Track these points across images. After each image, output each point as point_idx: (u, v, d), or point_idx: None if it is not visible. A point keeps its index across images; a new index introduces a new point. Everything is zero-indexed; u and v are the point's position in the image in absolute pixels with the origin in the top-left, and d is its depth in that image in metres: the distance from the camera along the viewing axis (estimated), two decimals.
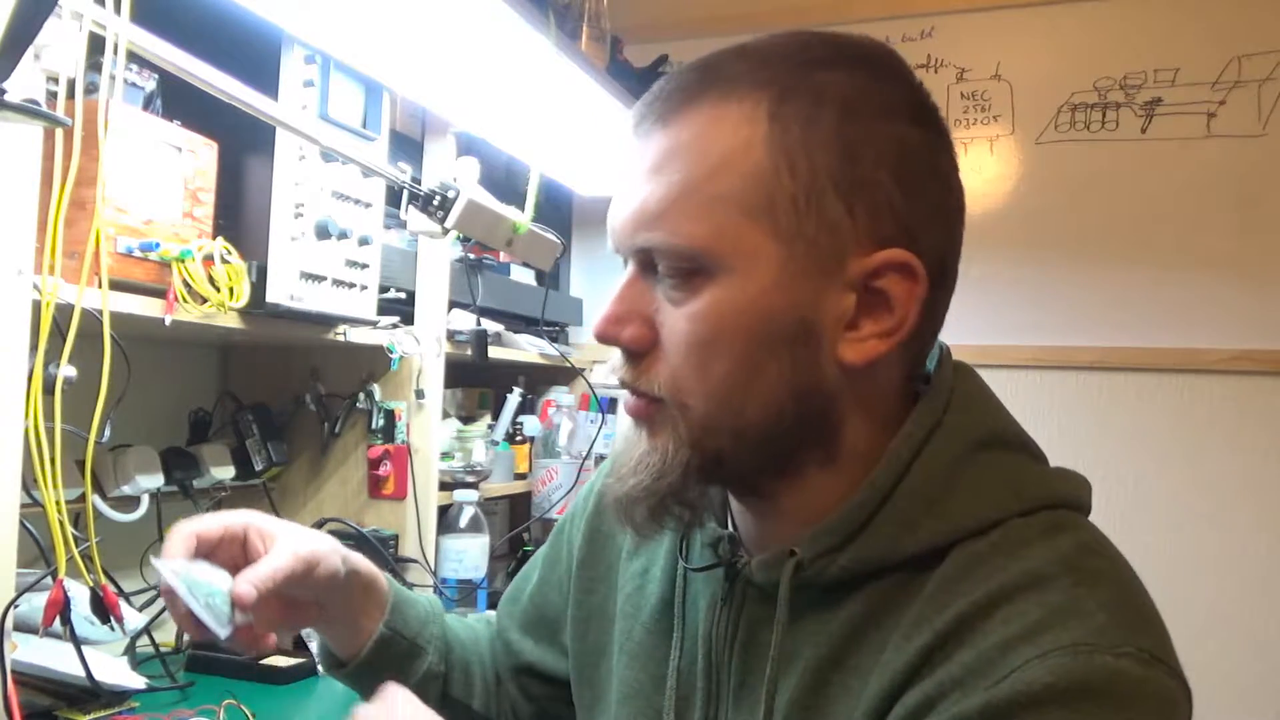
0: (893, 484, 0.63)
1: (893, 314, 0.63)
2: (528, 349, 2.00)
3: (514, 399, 2.02)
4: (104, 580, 0.98)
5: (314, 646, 1.35)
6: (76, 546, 0.93)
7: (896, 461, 0.64)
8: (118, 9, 0.89)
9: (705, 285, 0.62)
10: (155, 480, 1.34)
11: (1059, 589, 0.58)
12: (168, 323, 1.11)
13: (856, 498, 0.64)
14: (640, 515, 0.67)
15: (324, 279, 1.32)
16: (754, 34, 0.68)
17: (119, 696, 1.15)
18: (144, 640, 1.36)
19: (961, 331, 2.32)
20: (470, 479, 1.80)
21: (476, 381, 2.07)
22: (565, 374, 2.23)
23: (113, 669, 1.18)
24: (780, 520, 0.68)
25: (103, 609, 0.98)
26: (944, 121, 0.66)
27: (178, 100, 1.16)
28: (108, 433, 1.01)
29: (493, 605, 1.40)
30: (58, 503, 0.90)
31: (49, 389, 0.90)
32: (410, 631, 0.86)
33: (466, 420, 1.93)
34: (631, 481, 0.66)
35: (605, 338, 0.66)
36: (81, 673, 1.06)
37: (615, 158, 0.70)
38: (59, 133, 0.90)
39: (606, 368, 0.72)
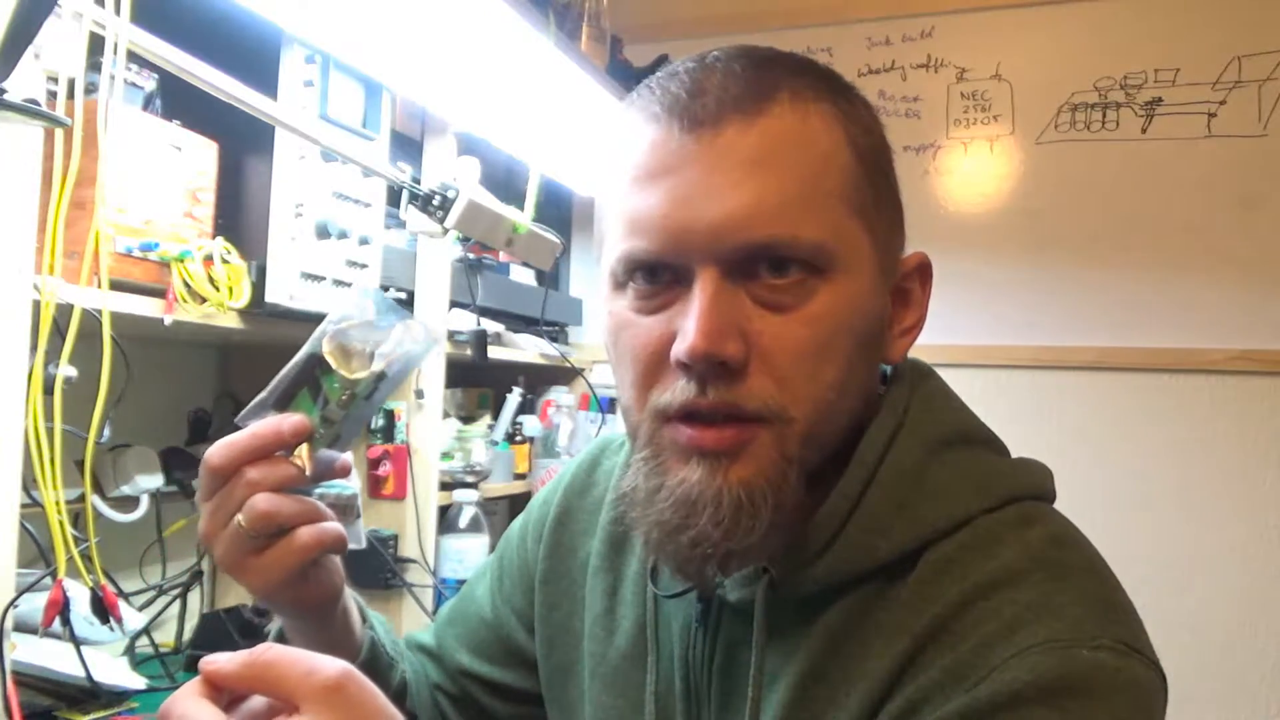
0: (860, 490, 0.63)
1: (911, 312, 0.67)
2: (528, 349, 2.00)
3: (514, 399, 2.01)
4: (104, 580, 0.98)
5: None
6: (76, 546, 0.93)
7: (862, 467, 0.63)
8: (118, 9, 0.89)
9: (819, 286, 0.60)
10: (155, 480, 1.34)
11: (1031, 584, 0.58)
12: (167, 323, 1.11)
13: (826, 508, 0.63)
14: (740, 564, 0.62)
15: (324, 279, 1.32)
16: (753, 34, 0.68)
17: (118, 696, 1.15)
18: (144, 640, 1.37)
19: (962, 331, 2.34)
20: (470, 479, 1.80)
21: (476, 381, 2.07)
22: (565, 374, 2.23)
23: (112, 669, 1.18)
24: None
25: (102, 609, 0.98)
26: None
27: (178, 100, 1.16)
28: (107, 433, 1.00)
29: None
30: (57, 503, 0.90)
31: (49, 389, 0.90)
32: (384, 645, 0.81)
33: (466, 420, 1.93)
34: (748, 524, 0.59)
35: (711, 355, 0.58)
36: (81, 673, 1.07)
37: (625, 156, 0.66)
38: (59, 133, 0.90)
39: (674, 391, 0.59)
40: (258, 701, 0.51)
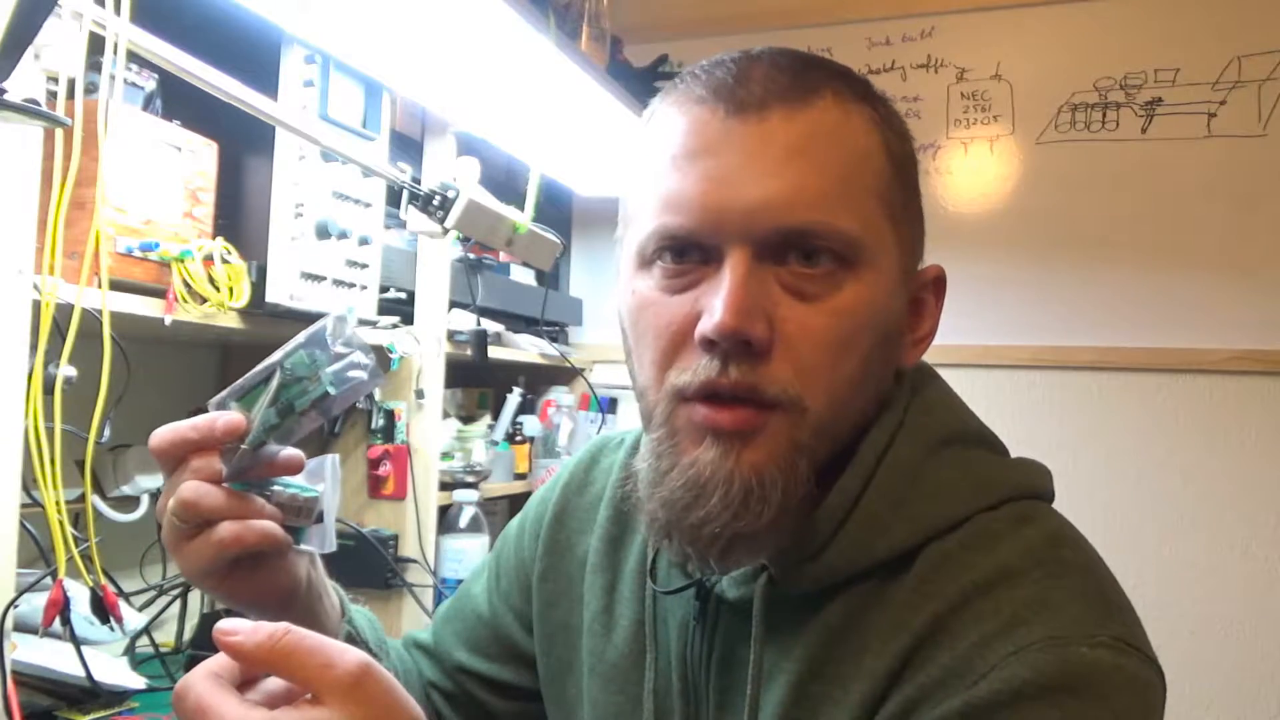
0: (860, 488, 0.63)
1: (924, 322, 0.68)
2: (528, 349, 2.00)
3: (514, 399, 2.02)
4: (104, 580, 0.98)
5: None
6: (76, 546, 0.93)
7: (862, 466, 0.64)
8: (118, 9, 0.89)
9: (847, 279, 0.61)
10: (155, 480, 1.34)
11: (1029, 582, 0.58)
12: (168, 323, 1.11)
13: (826, 505, 0.63)
14: (751, 552, 0.62)
15: (324, 279, 1.32)
16: (753, 34, 0.68)
17: (119, 696, 1.15)
18: (144, 640, 1.37)
19: (962, 331, 2.34)
20: (470, 479, 1.80)
21: (476, 381, 2.07)
22: (565, 374, 2.23)
23: (112, 669, 1.18)
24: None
25: (102, 609, 0.98)
26: None
27: (178, 100, 1.16)
28: (107, 433, 1.01)
29: None
30: (58, 503, 0.90)
31: (49, 389, 0.90)
32: (364, 637, 0.79)
33: (466, 420, 1.93)
34: (756, 508, 0.59)
35: (737, 333, 0.58)
36: (81, 673, 1.06)
37: (617, 156, 0.68)
38: (59, 133, 0.90)
39: (694, 370, 0.59)
40: (274, 681, 0.51)
